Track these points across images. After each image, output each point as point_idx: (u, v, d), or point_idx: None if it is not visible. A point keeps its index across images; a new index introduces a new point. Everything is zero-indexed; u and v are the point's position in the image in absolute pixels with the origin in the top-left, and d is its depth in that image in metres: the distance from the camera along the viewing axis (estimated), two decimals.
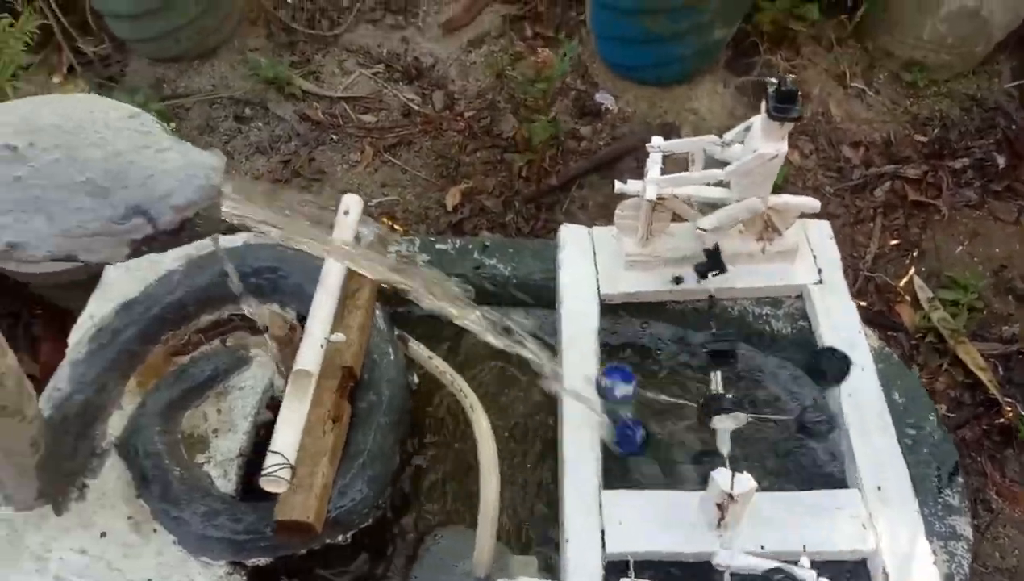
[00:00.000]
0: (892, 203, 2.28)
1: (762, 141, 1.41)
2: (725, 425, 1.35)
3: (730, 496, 1.27)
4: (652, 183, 1.45)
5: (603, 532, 1.37)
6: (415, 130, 2.38)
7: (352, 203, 1.53)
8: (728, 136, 1.49)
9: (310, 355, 1.29)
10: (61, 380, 1.49)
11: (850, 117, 2.40)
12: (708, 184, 1.51)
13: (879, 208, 2.27)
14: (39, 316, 2.13)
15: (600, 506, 1.40)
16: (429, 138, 2.37)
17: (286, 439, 1.19)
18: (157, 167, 0.76)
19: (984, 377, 1.98)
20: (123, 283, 1.67)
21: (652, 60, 2.35)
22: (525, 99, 2.42)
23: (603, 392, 1.39)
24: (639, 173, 2.26)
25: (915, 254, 2.22)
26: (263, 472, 1.16)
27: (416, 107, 2.44)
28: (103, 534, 1.38)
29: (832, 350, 1.48)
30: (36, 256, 0.75)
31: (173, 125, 2.46)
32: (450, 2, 2.65)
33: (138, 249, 0.78)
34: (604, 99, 2.37)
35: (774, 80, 1.34)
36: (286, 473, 1.16)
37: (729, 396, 1.36)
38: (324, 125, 2.44)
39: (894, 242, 2.24)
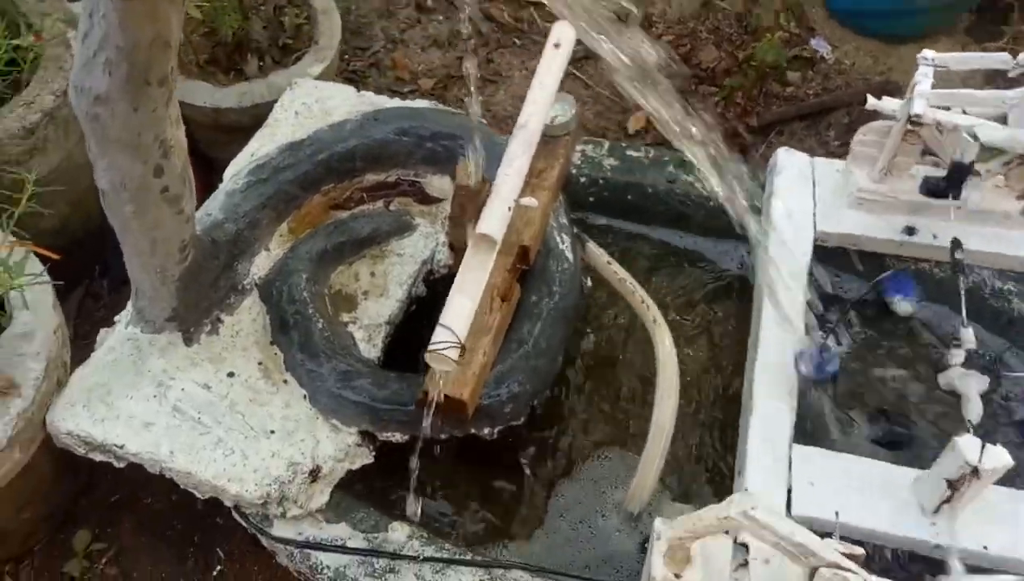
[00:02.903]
0: None
1: None
2: (973, 385, 1.12)
3: (975, 471, 1.03)
4: (921, 96, 1.22)
5: (790, 491, 1.16)
6: None
7: (564, 35, 1.29)
8: None
9: (496, 218, 1.11)
10: (214, 207, 1.37)
11: None
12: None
13: None
14: None
15: (789, 461, 1.19)
16: None
17: (460, 311, 1.01)
18: None
19: None
20: (290, 127, 1.55)
21: (887, 7, 2.09)
22: (731, 33, 2.21)
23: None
24: (850, 129, 2.04)
25: None
26: (430, 347, 0.99)
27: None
28: (231, 374, 1.25)
29: None
30: None
31: (352, 4, 2.33)
32: None
33: None
34: (820, 46, 2.13)
35: None
36: (454, 352, 0.98)
37: (983, 353, 1.13)
38: (508, 28, 2.27)
39: None
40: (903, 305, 1.35)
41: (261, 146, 1.50)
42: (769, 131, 2.03)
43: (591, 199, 1.61)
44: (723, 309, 1.52)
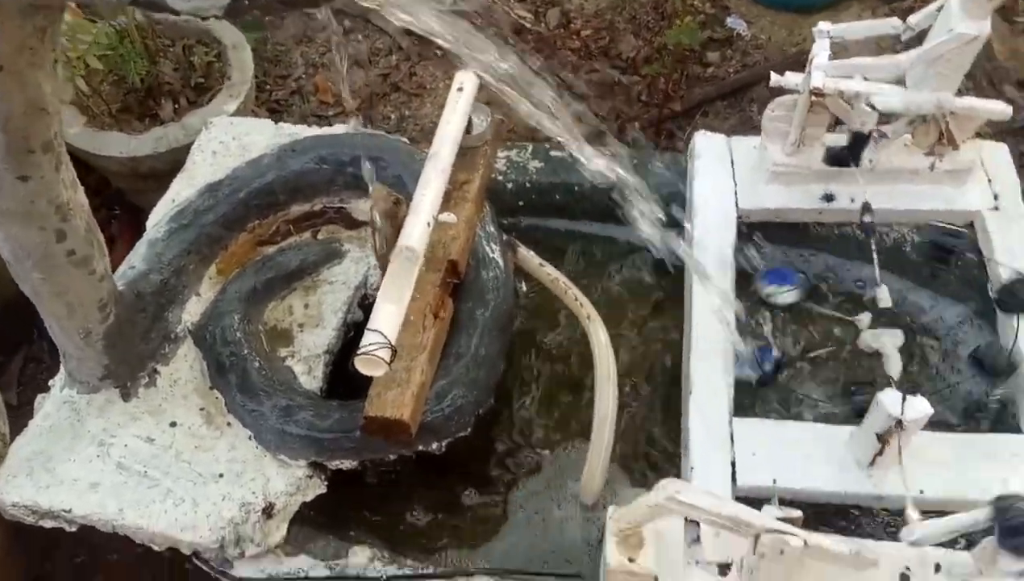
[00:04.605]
0: None
1: (961, 19, 1.19)
2: (889, 342, 1.14)
3: (899, 423, 1.06)
4: (818, 69, 1.24)
5: (734, 463, 1.19)
6: (526, 48, 2.21)
7: (467, 80, 1.34)
8: (913, 19, 1.27)
9: (416, 232, 1.11)
10: (137, 258, 1.36)
11: (1015, 55, 2.13)
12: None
13: None
14: (116, 216, 2.02)
15: (731, 435, 1.21)
16: (541, 57, 2.19)
17: (387, 316, 1.01)
18: None
19: None
20: (209, 168, 1.54)
21: None
22: (648, 20, 2.23)
23: (766, 298, 1.21)
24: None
25: None
26: (359, 351, 0.99)
27: (528, 25, 2.26)
28: (173, 423, 1.25)
29: None
30: None
31: (268, 34, 2.33)
32: None
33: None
34: (736, 24, 2.16)
35: None
36: (385, 353, 0.99)
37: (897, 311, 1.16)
38: (429, 40, 2.28)
39: None
40: (785, 296, 1.37)
41: (181, 191, 1.49)
42: (694, 113, 2.06)
43: (520, 203, 1.61)
44: (657, 294, 1.53)
